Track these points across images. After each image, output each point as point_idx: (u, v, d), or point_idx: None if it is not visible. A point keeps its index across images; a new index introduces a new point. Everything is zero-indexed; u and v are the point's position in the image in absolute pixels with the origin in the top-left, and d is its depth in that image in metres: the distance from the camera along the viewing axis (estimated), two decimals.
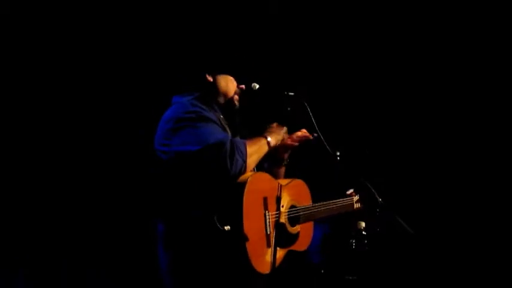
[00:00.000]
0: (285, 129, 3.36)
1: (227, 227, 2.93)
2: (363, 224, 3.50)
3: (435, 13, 5.08)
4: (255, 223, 3.04)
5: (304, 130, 3.44)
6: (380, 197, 3.23)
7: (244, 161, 3.05)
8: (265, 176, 3.24)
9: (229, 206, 2.98)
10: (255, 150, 3.15)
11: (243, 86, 3.31)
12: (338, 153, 3.37)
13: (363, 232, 3.48)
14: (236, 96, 3.31)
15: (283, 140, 3.35)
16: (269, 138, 3.24)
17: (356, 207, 3.61)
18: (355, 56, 5.14)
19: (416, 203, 4.87)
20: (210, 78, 3.29)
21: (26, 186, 4.65)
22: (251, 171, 3.16)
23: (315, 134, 3.32)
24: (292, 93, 3.25)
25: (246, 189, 3.00)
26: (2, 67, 4.57)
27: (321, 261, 3.70)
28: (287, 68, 4.91)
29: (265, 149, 3.22)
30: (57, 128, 4.71)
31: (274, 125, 3.35)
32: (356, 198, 3.63)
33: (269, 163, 3.46)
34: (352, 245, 3.50)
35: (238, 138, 3.19)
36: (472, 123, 5.08)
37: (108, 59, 4.77)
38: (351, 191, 3.64)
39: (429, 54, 5.13)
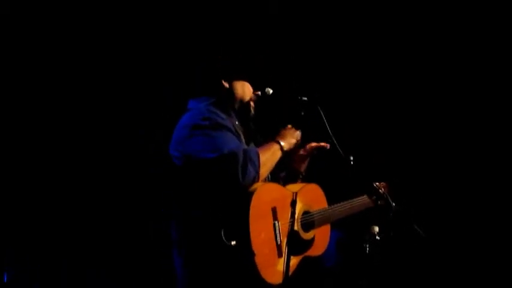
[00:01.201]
0: (298, 132, 3.32)
1: (233, 242, 2.93)
2: (377, 229, 3.47)
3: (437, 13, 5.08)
4: (264, 235, 3.03)
5: (323, 144, 3.41)
6: (393, 201, 3.22)
7: (257, 172, 3.04)
8: (273, 187, 3.21)
9: (235, 220, 2.98)
10: (268, 158, 3.13)
11: (259, 92, 3.30)
12: (351, 158, 3.35)
13: (377, 237, 3.45)
14: (252, 103, 3.30)
15: (297, 144, 3.32)
16: (282, 143, 3.22)
17: (376, 204, 3.53)
18: (362, 58, 5.14)
19: (430, 207, 4.87)
20: (226, 84, 3.28)
21: (26, 186, 4.64)
22: (263, 180, 3.15)
23: (329, 142, 3.28)
24: (305, 98, 3.22)
25: (251, 203, 2.99)
26: (2, 67, 4.56)
27: (334, 265, 3.68)
28: (300, 72, 4.90)
29: (279, 154, 3.20)
30: (57, 128, 4.70)
31: (288, 127, 3.32)
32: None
33: (286, 174, 3.44)
34: (366, 250, 3.47)
35: (251, 147, 3.16)
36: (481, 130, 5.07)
37: (108, 57, 4.77)
38: None
39: (438, 60, 5.12)
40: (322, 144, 3.40)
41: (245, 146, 3.17)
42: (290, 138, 3.27)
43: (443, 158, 5.09)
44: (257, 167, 3.04)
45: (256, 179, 3.05)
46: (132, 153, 4.80)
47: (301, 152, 3.44)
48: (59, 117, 4.72)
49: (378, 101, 5.15)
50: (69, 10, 4.65)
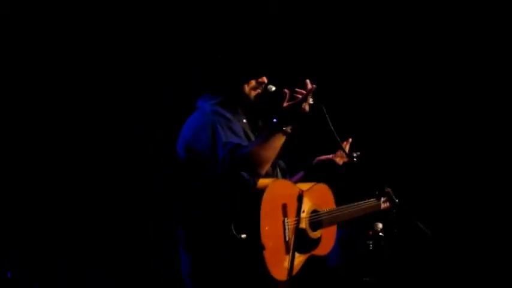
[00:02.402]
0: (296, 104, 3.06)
1: (243, 236, 2.93)
2: (380, 225, 3.47)
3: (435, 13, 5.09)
4: (273, 231, 3.02)
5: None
6: (397, 198, 3.21)
7: (256, 175, 3.00)
8: (284, 183, 3.21)
9: (246, 214, 2.97)
10: (267, 153, 3.01)
11: (265, 79, 3.22)
12: (355, 155, 3.36)
13: (380, 233, 3.45)
14: (253, 92, 3.22)
15: (302, 115, 3.06)
16: (284, 127, 3.04)
17: (383, 207, 3.57)
18: (362, 58, 5.14)
19: (434, 204, 4.87)
20: (242, 87, 3.22)
21: (26, 186, 4.64)
22: (269, 174, 3.13)
23: (333, 141, 3.23)
24: None
25: (263, 198, 2.98)
26: (2, 67, 4.57)
27: (337, 263, 3.68)
28: (303, 68, 4.89)
29: (281, 141, 3.04)
30: (58, 128, 4.71)
31: (286, 103, 3.05)
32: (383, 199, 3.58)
33: (287, 162, 3.39)
34: (370, 247, 3.47)
35: (248, 146, 3.05)
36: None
37: (108, 57, 4.77)
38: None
39: (437, 60, 5.12)
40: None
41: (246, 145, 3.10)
42: (292, 116, 3.04)
43: (444, 156, 5.09)
44: (255, 171, 3.00)
45: (256, 179, 3.02)
46: (132, 153, 4.80)
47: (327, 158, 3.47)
48: (59, 117, 4.72)
49: (378, 101, 5.15)
50: (69, 10, 4.65)
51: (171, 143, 4.66)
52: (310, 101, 3.05)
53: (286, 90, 3.05)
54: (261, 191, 3.01)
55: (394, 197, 3.21)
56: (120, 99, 4.80)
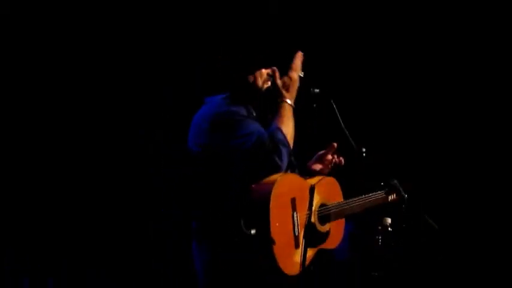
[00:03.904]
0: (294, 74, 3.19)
1: (253, 231, 2.93)
2: (389, 220, 3.47)
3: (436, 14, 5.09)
4: (283, 225, 3.02)
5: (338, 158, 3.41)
6: (405, 193, 3.21)
7: (288, 148, 3.06)
8: (293, 177, 3.20)
9: (255, 209, 2.97)
10: (289, 129, 3.11)
11: (275, 68, 3.22)
12: (364, 150, 3.35)
13: (389, 228, 3.45)
14: (265, 85, 3.22)
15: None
16: (289, 101, 3.15)
17: (391, 199, 3.52)
18: (362, 58, 5.13)
19: (441, 199, 4.87)
20: (248, 78, 3.23)
21: (26, 186, 4.65)
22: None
23: (341, 134, 3.24)
24: (317, 90, 3.16)
25: (272, 193, 2.97)
26: (2, 67, 4.57)
27: (346, 258, 3.68)
28: (312, 63, 4.90)
29: (292, 112, 3.16)
30: (58, 128, 4.71)
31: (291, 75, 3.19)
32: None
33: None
34: (378, 242, 3.47)
35: (273, 127, 3.11)
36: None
37: (109, 57, 4.78)
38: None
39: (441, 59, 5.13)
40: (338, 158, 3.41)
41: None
42: (294, 88, 3.18)
43: (451, 154, 5.09)
44: (286, 145, 3.06)
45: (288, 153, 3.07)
46: (132, 153, 4.81)
47: (321, 167, 3.44)
48: (59, 117, 4.72)
49: (380, 98, 5.15)
50: (69, 10, 4.65)
51: (171, 143, 4.69)
52: (300, 72, 3.17)
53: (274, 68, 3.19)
54: (270, 185, 3.00)
55: (401, 190, 3.21)
56: (120, 99, 4.81)
